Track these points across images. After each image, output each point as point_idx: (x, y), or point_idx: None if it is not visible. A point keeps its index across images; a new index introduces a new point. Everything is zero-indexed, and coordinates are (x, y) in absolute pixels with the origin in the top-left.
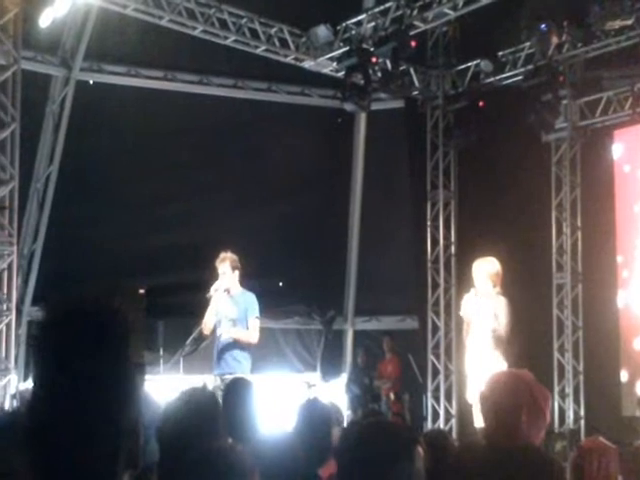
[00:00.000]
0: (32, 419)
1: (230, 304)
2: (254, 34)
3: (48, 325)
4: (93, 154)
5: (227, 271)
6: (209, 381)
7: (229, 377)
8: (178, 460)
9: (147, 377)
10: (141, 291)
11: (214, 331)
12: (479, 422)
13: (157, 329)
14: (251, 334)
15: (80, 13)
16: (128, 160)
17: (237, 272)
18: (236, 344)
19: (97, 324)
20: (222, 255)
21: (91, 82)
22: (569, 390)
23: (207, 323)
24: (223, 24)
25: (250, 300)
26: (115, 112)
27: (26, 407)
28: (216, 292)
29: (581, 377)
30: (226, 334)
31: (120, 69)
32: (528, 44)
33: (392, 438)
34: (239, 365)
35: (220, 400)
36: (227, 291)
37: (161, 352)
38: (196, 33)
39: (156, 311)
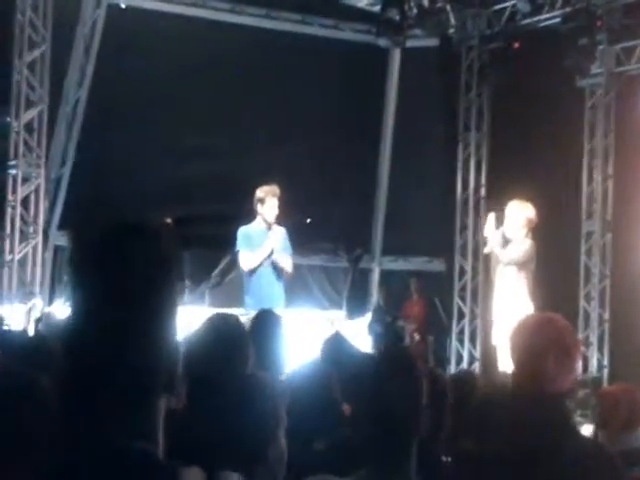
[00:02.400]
0: (73, 342)
1: (272, 236)
2: None
3: (94, 242)
4: (123, 80)
5: (275, 207)
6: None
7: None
8: (207, 386)
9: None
10: (168, 220)
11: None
12: (504, 365)
13: (183, 259)
14: (290, 265)
15: None
16: (158, 87)
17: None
18: (278, 278)
19: (147, 240)
20: (271, 189)
21: (123, 6)
22: (593, 338)
23: (252, 263)
24: None
25: (286, 236)
26: (146, 38)
27: (65, 329)
28: (275, 242)
29: (606, 325)
30: (282, 263)
31: None
32: None
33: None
34: (281, 299)
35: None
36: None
37: (187, 282)
38: None
39: (182, 241)
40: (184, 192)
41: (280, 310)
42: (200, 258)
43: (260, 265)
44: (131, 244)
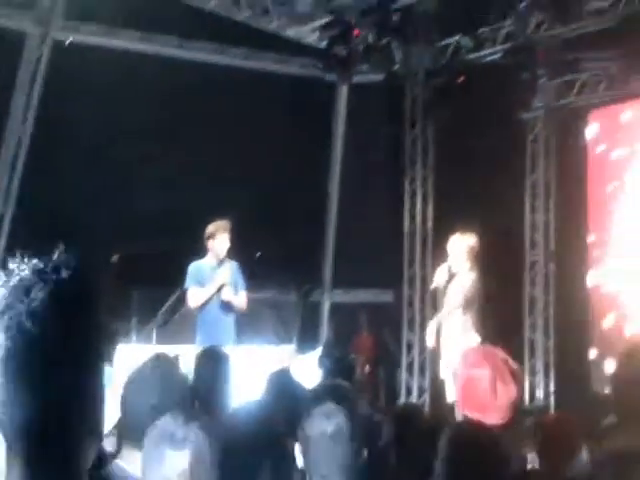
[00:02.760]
0: None
1: (222, 271)
2: (236, 0)
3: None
4: (68, 116)
5: (227, 241)
6: (185, 352)
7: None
8: (141, 430)
9: (119, 346)
10: (115, 258)
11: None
12: (451, 397)
13: (130, 297)
14: (243, 302)
15: None
16: (104, 123)
17: (229, 241)
18: (228, 314)
19: (60, 285)
20: (222, 224)
21: (68, 41)
22: (539, 367)
23: (200, 299)
24: None
25: (238, 271)
26: (92, 73)
27: None
28: (225, 276)
29: (551, 354)
30: (232, 299)
31: (98, 29)
32: (508, 22)
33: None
34: (231, 335)
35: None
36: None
37: (134, 321)
38: None
39: (130, 279)
40: (129, 229)
41: (230, 347)
42: (147, 295)
43: (209, 301)
44: (42, 288)
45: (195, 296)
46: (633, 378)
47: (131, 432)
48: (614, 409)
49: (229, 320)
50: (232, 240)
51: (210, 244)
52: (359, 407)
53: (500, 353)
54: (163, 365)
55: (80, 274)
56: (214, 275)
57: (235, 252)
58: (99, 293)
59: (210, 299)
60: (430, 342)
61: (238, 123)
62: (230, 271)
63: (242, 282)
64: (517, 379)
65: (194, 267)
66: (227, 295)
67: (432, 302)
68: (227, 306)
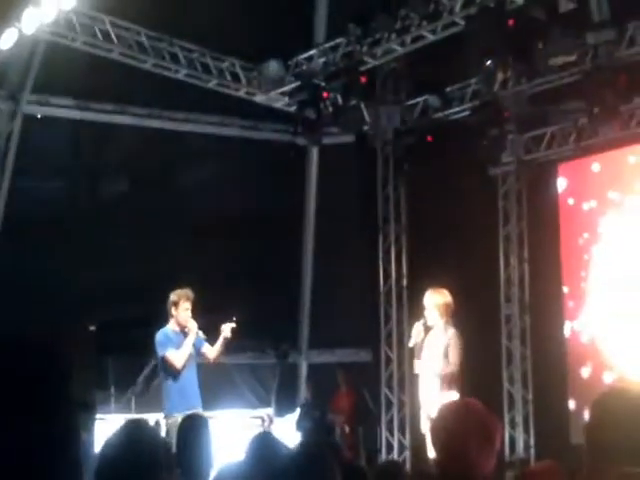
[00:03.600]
0: None
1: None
2: (206, 68)
3: None
4: (43, 189)
5: (190, 308)
6: (161, 419)
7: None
8: None
9: (97, 416)
10: (91, 328)
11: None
12: (432, 453)
13: (107, 366)
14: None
15: (27, 46)
16: (76, 195)
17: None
18: (196, 378)
19: (31, 362)
20: (184, 292)
21: (39, 116)
22: (519, 419)
23: (183, 359)
24: (174, 58)
25: (201, 337)
26: (64, 146)
27: None
28: (194, 326)
29: (530, 406)
30: (218, 353)
31: (69, 102)
32: (474, 80)
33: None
34: (200, 398)
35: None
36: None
37: (112, 390)
38: (147, 67)
39: (106, 348)
40: (103, 299)
41: (200, 411)
42: (124, 364)
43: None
44: (12, 366)
45: (177, 358)
46: (606, 426)
47: None
48: (588, 459)
49: (195, 382)
50: (205, 304)
51: (173, 311)
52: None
53: (479, 405)
54: (137, 431)
55: (44, 349)
56: (180, 341)
57: (210, 315)
58: (67, 366)
59: (186, 363)
60: (412, 342)
61: (211, 188)
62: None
63: (203, 341)
64: (497, 432)
65: (162, 334)
66: (207, 349)
67: (410, 359)
68: (193, 370)
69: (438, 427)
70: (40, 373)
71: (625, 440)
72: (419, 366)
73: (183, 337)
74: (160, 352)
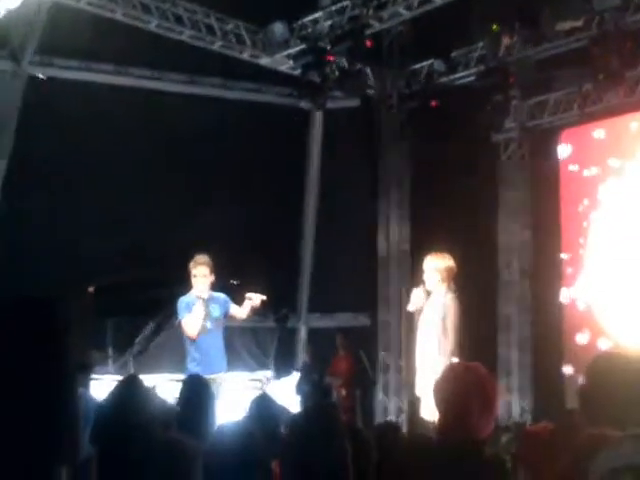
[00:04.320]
0: None
1: (210, 305)
2: (210, 30)
3: None
4: (44, 151)
5: (207, 275)
6: (160, 381)
7: (220, 375)
8: (113, 452)
9: (95, 377)
10: (90, 289)
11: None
12: (427, 414)
13: (106, 328)
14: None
15: (32, 6)
16: (81, 158)
17: (212, 276)
18: (221, 342)
19: (31, 319)
20: (200, 258)
21: (42, 76)
22: (515, 384)
23: (195, 326)
24: (178, 19)
25: (226, 300)
26: (67, 108)
27: None
28: (202, 293)
29: (527, 371)
30: (244, 317)
31: (73, 63)
32: (480, 45)
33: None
34: (224, 363)
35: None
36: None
37: (110, 352)
38: (151, 28)
39: (105, 310)
40: (104, 261)
41: (222, 375)
42: (123, 326)
43: (202, 332)
44: (14, 322)
45: (189, 324)
46: (599, 391)
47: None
48: (582, 421)
49: (222, 350)
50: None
51: (193, 281)
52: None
53: (481, 369)
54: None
55: (48, 305)
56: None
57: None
58: (68, 323)
59: (207, 327)
60: (412, 307)
61: (213, 153)
62: (215, 301)
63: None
64: (497, 397)
65: (181, 301)
66: (235, 311)
67: (408, 324)
68: (217, 336)
69: (441, 389)
70: (40, 329)
71: (617, 403)
72: (418, 332)
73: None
74: (179, 318)
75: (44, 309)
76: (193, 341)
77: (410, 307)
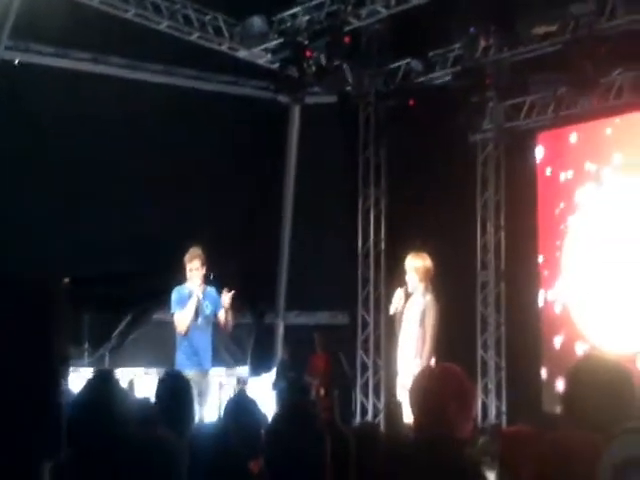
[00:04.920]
0: None
1: (204, 302)
2: (188, 21)
3: None
4: (19, 138)
5: (199, 268)
6: (137, 375)
7: (206, 372)
8: (88, 451)
9: (71, 370)
10: (65, 281)
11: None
12: (408, 418)
13: (82, 321)
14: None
15: None
16: (53, 144)
17: (204, 268)
18: (212, 338)
19: (20, 299)
20: (194, 251)
21: (17, 62)
22: (491, 386)
23: (187, 322)
24: (156, 9)
25: (216, 295)
26: (41, 94)
27: None
28: (197, 289)
29: (503, 373)
30: (227, 320)
31: (48, 49)
32: (457, 45)
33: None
34: (208, 359)
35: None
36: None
37: (86, 345)
38: (128, 16)
39: (81, 303)
40: (81, 253)
41: (208, 370)
42: (99, 319)
43: (191, 325)
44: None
45: (180, 320)
46: (581, 393)
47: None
48: (564, 425)
49: (212, 345)
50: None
51: (188, 275)
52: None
53: (457, 369)
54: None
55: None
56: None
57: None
58: (52, 313)
59: (197, 323)
60: (393, 310)
61: (190, 145)
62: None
63: (220, 304)
64: (474, 397)
65: (175, 293)
66: (220, 315)
67: (389, 325)
68: (210, 331)
69: (417, 390)
70: (26, 310)
71: (600, 406)
72: (399, 334)
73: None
74: (171, 311)
75: (29, 288)
76: (184, 335)
77: (391, 310)
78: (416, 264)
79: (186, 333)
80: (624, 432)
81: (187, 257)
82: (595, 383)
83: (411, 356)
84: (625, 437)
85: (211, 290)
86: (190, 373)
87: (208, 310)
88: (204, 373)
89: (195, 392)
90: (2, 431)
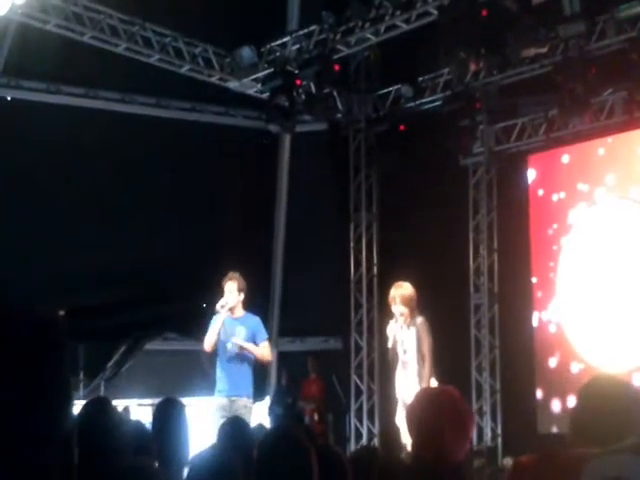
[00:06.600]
0: None
1: (236, 326)
2: (178, 53)
3: None
4: (11, 172)
5: (233, 291)
6: (132, 405)
7: (236, 398)
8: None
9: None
10: (61, 312)
11: (216, 350)
12: (407, 442)
13: (77, 352)
14: (266, 353)
15: None
16: (47, 179)
17: (242, 294)
18: (247, 366)
19: (32, 332)
20: (230, 274)
21: (9, 98)
22: (486, 408)
23: (211, 339)
24: (147, 42)
25: (257, 322)
26: (33, 130)
27: None
28: (222, 309)
29: (498, 395)
30: (242, 343)
31: (40, 85)
32: (447, 70)
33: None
34: (249, 386)
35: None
36: (231, 311)
37: (81, 376)
38: (119, 50)
39: (76, 333)
40: (74, 284)
41: (246, 400)
42: (94, 349)
43: (226, 353)
44: (13, 336)
45: (205, 340)
46: (591, 415)
47: None
48: (571, 443)
49: (244, 371)
50: (176, 290)
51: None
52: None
53: (454, 392)
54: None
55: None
56: (229, 326)
57: (180, 303)
58: (62, 345)
59: (226, 348)
60: (390, 343)
61: (182, 176)
62: (246, 323)
63: (263, 334)
64: (471, 421)
65: (213, 319)
66: (237, 340)
67: (380, 348)
68: (241, 358)
69: (414, 413)
70: (39, 342)
71: (610, 426)
72: (397, 364)
73: (235, 321)
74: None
75: (42, 319)
76: (214, 358)
77: (389, 344)
78: (399, 293)
79: (211, 354)
80: (603, 453)
81: (224, 279)
82: (604, 402)
83: (414, 385)
84: (603, 458)
85: (251, 317)
86: (216, 398)
87: (242, 334)
88: (230, 399)
89: (218, 417)
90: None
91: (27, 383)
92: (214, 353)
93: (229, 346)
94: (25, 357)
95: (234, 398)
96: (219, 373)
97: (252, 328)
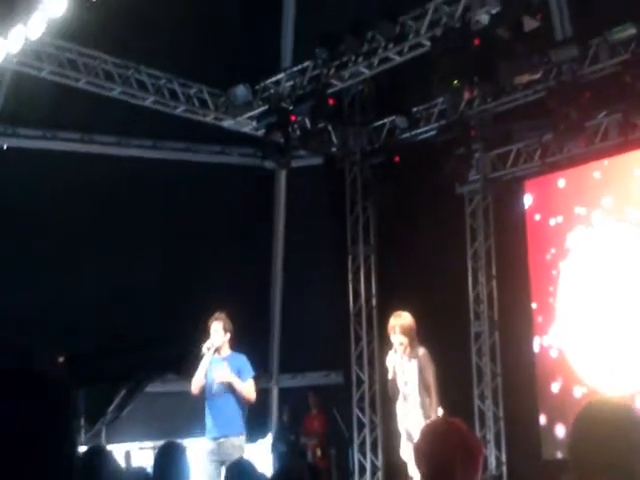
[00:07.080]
0: None
1: (222, 366)
2: (173, 94)
3: None
4: (9, 220)
5: (219, 330)
6: (133, 449)
7: (224, 440)
8: None
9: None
10: (60, 359)
11: (203, 392)
12: (415, 476)
13: (78, 397)
14: (250, 391)
15: None
16: (47, 225)
17: (229, 334)
18: (233, 405)
19: (36, 391)
20: (216, 314)
21: (5, 147)
22: (490, 436)
23: (198, 382)
24: (142, 85)
25: (242, 361)
26: (30, 178)
27: None
28: (208, 351)
29: (501, 423)
30: (233, 383)
31: (36, 132)
32: (441, 100)
33: None
34: (238, 425)
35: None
36: (217, 351)
37: (82, 421)
38: (114, 95)
39: (76, 379)
40: (73, 330)
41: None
42: (94, 394)
43: (214, 393)
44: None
45: (193, 381)
46: (588, 440)
47: None
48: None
49: (232, 410)
50: (174, 330)
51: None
52: None
53: (462, 424)
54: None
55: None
56: (214, 366)
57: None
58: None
59: (212, 389)
60: (391, 375)
61: (180, 216)
62: (230, 363)
63: (248, 372)
64: (480, 451)
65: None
66: (221, 372)
67: (382, 381)
68: (228, 396)
69: (422, 447)
70: (57, 404)
71: (608, 452)
72: (399, 396)
73: (221, 360)
74: None
75: (57, 380)
76: (201, 399)
77: (390, 375)
78: (398, 323)
79: (198, 396)
80: None
81: (210, 319)
82: (603, 426)
83: (419, 418)
84: None
85: (237, 356)
86: (205, 441)
87: (227, 372)
88: (217, 441)
89: (207, 461)
90: None
91: (29, 451)
92: (202, 396)
93: (214, 387)
94: (29, 421)
95: (222, 440)
96: (207, 414)
97: (238, 366)
